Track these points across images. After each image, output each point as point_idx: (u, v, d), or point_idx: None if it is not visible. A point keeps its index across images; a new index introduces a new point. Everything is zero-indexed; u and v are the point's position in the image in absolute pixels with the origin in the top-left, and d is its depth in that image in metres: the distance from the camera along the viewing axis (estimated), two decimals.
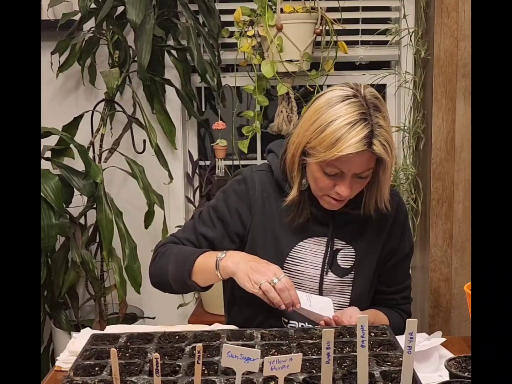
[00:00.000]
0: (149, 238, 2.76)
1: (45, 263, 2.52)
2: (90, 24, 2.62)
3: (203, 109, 2.96)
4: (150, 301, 2.82)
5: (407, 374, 1.15)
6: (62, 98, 2.85)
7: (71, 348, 1.52)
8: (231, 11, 2.69)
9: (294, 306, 1.51)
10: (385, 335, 1.45)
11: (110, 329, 1.62)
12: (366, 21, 2.79)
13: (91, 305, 2.76)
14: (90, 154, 2.60)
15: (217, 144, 2.76)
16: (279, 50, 2.54)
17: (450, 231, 2.51)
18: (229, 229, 1.70)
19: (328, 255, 1.67)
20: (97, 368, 1.30)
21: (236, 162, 2.87)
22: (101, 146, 2.63)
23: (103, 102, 2.63)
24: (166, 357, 1.34)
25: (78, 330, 1.95)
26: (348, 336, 1.43)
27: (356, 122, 1.47)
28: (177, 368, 1.29)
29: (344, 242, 1.69)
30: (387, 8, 2.86)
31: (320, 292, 1.68)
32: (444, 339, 1.51)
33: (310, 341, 1.41)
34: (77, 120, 2.60)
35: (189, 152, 2.94)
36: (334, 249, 1.68)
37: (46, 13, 2.58)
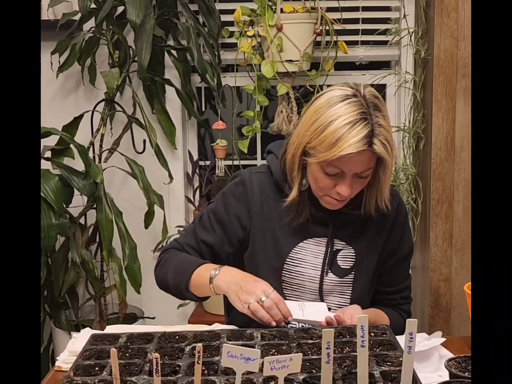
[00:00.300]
0: (149, 238, 2.77)
1: (45, 263, 2.52)
2: (90, 24, 2.62)
3: (203, 109, 2.96)
4: (150, 301, 2.82)
5: (407, 374, 1.15)
6: (62, 98, 2.85)
7: (71, 348, 1.52)
8: (231, 11, 2.69)
9: (286, 319, 1.51)
10: (385, 335, 1.45)
11: (110, 329, 1.62)
12: (366, 21, 2.79)
13: (91, 305, 2.76)
14: (90, 154, 2.60)
15: (217, 144, 2.76)
16: (279, 50, 2.54)
17: (450, 231, 2.51)
18: (228, 233, 1.71)
19: (328, 256, 1.67)
20: (97, 368, 1.30)
21: (236, 162, 2.87)
22: (101, 146, 2.63)
23: (103, 102, 2.63)
24: (166, 357, 1.34)
25: (78, 330, 1.94)
26: (348, 336, 1.43)
27: (356, 121, 1.48)
28: (177, 368, 1.29)
29: (344, 243, 1.69)
30: (387, 8, 2.86)
31: (320, 293, 1.68)
32: (444, 339, 1.51)
33: (310, 341, 1.41)
34: (77, 120, 2.60)
35: (189, 152, 2.94)
36: (334, 249, 1.68)
37: (46, 13, 2.59)
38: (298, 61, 2.58)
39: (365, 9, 2.79)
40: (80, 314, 2.72)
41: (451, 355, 1.44)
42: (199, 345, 1.07)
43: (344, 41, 2.67)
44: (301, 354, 1.12)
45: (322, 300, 1.69)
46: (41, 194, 2.28)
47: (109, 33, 2.61)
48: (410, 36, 2.65)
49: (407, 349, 1.12)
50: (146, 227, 2.62)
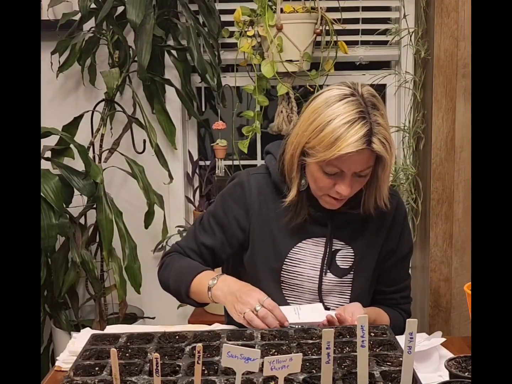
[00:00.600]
0: (149, 238, 2.76)
1: (45, 263, 2.52)
2: (90, 24, 2.62)
3: (203, 109, 2.96)
4: (150, 301, 2.83)
5: (407, 374, 1.15)
6: (62, 98, 2.85)
7: (71, 348, 1.52)
8: (231, 11, 2.69)
9: (282, 325, 1.51)
10: (385, 335, 1.44)
11: (110, 329, 1.62)
12: (366, 21, 2.79)
13: (91, 305, 2.76)
14: (90, 154, 2.60)
15: (217, 144, 2.76)
16: (279, 50, 2.54)
17: (450, 231, 2.51)
18: (228, 235, 1.72)
19: (326, 256, 1.67)
20: (97, 368, 1.30)
21: (236, 162, 2.87)
22: (101, 146, 2.63)
23: (103, 102, 2.63)
24: (166, 357, 1.34)
25: (78, 330, 1.95)
26: (348, 336, 1.43)
27: (355, 120, 1.48)
28: (177, 368, 1.29)
29: (342, 243, 1.69)
30: (387, 8, 2.86)
31: (320, 293, 1.68)
32: (444, 339, 1.51)
33: (310, 341, 1.41)
34: (77, 120, 2.60)
35: (189, 152, 2.94)
36: (332, 249, 1.68)
37: (46, 13, 2.59)
38: (298, 61, 2.58)
39: (365, 9, 2.79)
40: (80, 314, 2.72)
41: (451, 355, 1.44)
42: (199, 345, 1.07)
43: (344, 41, 2.67)
44: (301, 354, 1.12)
45: (321, 300, 1.69)
46: (41, 194, 2.28)
47: (109, 33, 2.61)
48: (410, 36, 2.65)
49: (407, 349, 1.12)
50: (146, 227, 2.62)
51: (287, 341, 1.41)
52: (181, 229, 2.78)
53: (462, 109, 2.45)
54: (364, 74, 2.83)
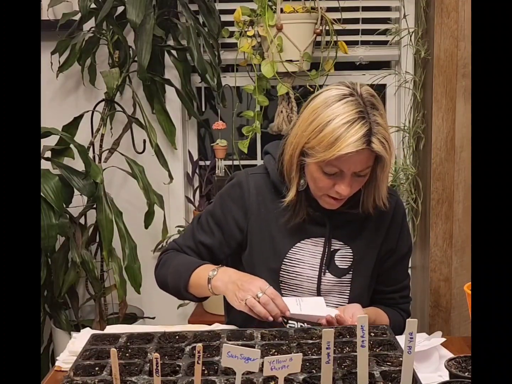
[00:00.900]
0: (149, 238, 2.76)
1: (45, 263, 2.52)
2: (90, 24, 2.62)
3: (203, 109, 2.96)
4: (150, 301, 2.82)
5: (407, 374, 1.15)
6: (62, 98, 2.85)
7: (71, 348, 1.52)
8: (231, 11, 2.69)
9: (283, 314, 1.51)
10: (385, 335, 1.44)
11: (110, 329, 1.62)
12: (366, 21, 2.79)
13: (91, 305, 2.76)
14: (90, 154, 2.60)
15: (217, 144, 2.76)
16: (279, 50, 2.54)
17: (450, 231, 2.51)
18: (226, 235, 1.72)
19: (325, 256, 1.67)
20: (97, 368, 1.30)
21: (236, 162, 2.87)
22: (101, 146, 2.63)
23: (103, 102, 2.63)
24: (166, 357, 1.34)
25: (78, 330, 1.95)
26: (348, 336, 1.43)
27: (354, 120, 1.48)
28: (177, 368, 1.29)
29: (341, 243, 1.69)
30: (387, 8, 2.86)
31: (318, 293, 1.68)
32: (444, 339, 1.51)
33: (310, 341, 1.41)
34: (77, 120, 2.60)
35: (189, 152, 2.94)
36: (331, 249, 1.68)
37: (46, 13, 2.59)
38: (298, 61, 2.58)
39: (365, 9, 2.79)
40: (80, 314, 2.72)
41: (451, 355, 1.44)
42: (199, 345, 1.07)
43: (344, 41, 2.67)
44: (301, 354, 1.12)
45: None
46: (41, 194, 2.28)
47: (109, 33, 2.61)
48: (410, 36, 2.65)
49: (407, 349, 1.12)
50: (146, 227, 2.62)
51: (287, 341, 1.41)
52: (181, 229, 2.78)
53: (462, 109, 2.45)
54: (364, 74, 2.83)
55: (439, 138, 2.48)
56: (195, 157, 2.95)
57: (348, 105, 1.50)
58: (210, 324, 1.67)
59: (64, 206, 2.41)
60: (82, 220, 2.63)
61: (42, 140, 2.40)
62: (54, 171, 2.43)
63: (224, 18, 2.75)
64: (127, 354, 1.36)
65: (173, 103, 2.79)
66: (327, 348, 1.09)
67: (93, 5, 2.54)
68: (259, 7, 2.55)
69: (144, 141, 2.66)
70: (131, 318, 2.73)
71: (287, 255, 1.68)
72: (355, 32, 2.79)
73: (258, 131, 2.71)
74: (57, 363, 1.49)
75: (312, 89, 2.66)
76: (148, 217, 2.60)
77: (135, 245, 2.57)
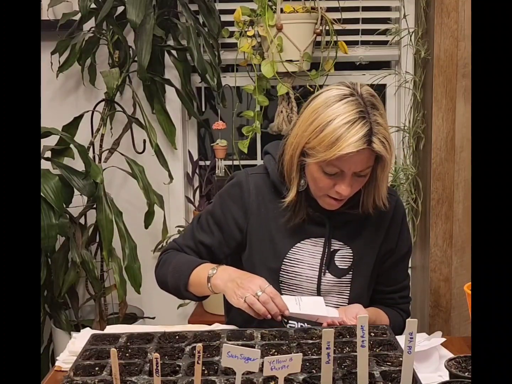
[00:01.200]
0: (149, 238, 2.77)
1: (45, 263, 2.52)
2: (90, 24, 2.62)
3: (203, 109, 2.96)
4: (150, 301, 2.83)
5: (407, 374, 1.15)
6: (62, 98, 2.85)
7: (71, 348, 1.52)
8: (231, 11, 2.69)
9: (283, 313, 1.51)
10: (385, 335, 1.45)
11: (110, 329, 1.62)
12: (366, 21, 2.79)
13: (91, 305, 2.76)
14: (90, 154, 2.60)
15: (217, 144, 2.76)
16: (279, 50, 2.54)
17: (450, 231, 2.51)
18: (226, 235, 1.72)
19: (325, 256, 1.67)
20: (97, 368, 1.30)
21: (236, 162, 2.87)
22: (101, 146, 2.63)
23: (103, 102, 2.63)
24: (166, 357, 1.34)
25: (78, 330, 1.95)
26: (348, 336, 1.43)
27: (355, 120, 1.48)
28: (177, 368, 1.29)
29: (341, 243, 1.69)
30: (387, 8, 2.86)
31: (318, 293, 1.68)
32: (444, 339, 1.51)
33: (310, 341, 1.41)
34: (77, 120, 2.60)
35: (189, 152, 2.94)
36: (331, 249, 1.68)
37: (46, 13, 2.59)
38: (298, 61, 2.58)
39: (365, 9, 2.79)
40: (80, 314, 2.72)
41: (451, 355, 1.44)
42: (199, 345, 1.07)
43: (344, 41, 2.67)
44: (301, 354, 1.12)
45: None
46: (41, 194, 2.28)
47: (109, 33, 2.61)
48: (410, 36, 2.65)
49: (407, 349, 1.12)
50: (146, 227, 2.62)
51: (287, 341, 1.41)
52: (181, 229, 2.78)
53: (462, 109, 2.45)
54: (364, 74, 2.83)
55: (439, 138, 2.48)
56: (195, 157, 2.95)
57: (349, 105, 1.50)
58: (210, 324, 1.67)
59: (64, 206, 2.41)
60: (82, 220, 2.63)
61: (42, 140, 2.40)
62: (54, 171, 2.43)
63: (224, 18, 2.75)
64: (127, 354, 1.36)
65: (173, 103, 2.79)
66: (327, 348, 1.09)
67: (93, 5, 2.54)
68: (259, 7, 2.55)
69: (144, 141, 2.66)
70: (131, 318, 2.73)
71: (287, 255, 1.67)
72: (355, 32, 2.79)
73: (258, 131, 2.71)
74: (57, 363, 1.49)
75: (312, 89, 2.66)
76: (148, 217, 2.60)
77: (135, 245, 2.57)
